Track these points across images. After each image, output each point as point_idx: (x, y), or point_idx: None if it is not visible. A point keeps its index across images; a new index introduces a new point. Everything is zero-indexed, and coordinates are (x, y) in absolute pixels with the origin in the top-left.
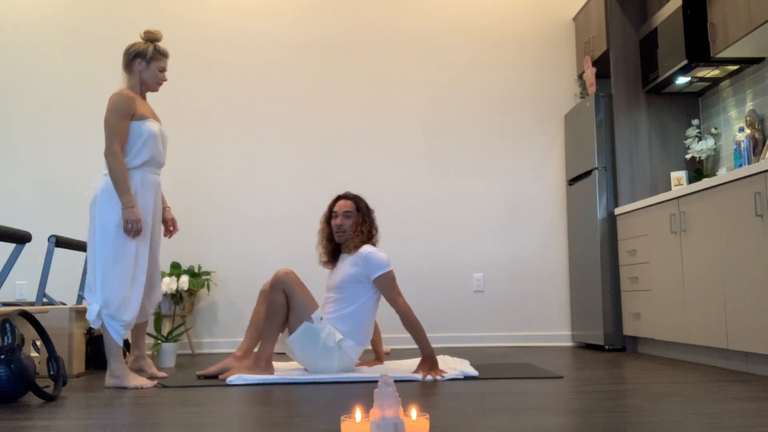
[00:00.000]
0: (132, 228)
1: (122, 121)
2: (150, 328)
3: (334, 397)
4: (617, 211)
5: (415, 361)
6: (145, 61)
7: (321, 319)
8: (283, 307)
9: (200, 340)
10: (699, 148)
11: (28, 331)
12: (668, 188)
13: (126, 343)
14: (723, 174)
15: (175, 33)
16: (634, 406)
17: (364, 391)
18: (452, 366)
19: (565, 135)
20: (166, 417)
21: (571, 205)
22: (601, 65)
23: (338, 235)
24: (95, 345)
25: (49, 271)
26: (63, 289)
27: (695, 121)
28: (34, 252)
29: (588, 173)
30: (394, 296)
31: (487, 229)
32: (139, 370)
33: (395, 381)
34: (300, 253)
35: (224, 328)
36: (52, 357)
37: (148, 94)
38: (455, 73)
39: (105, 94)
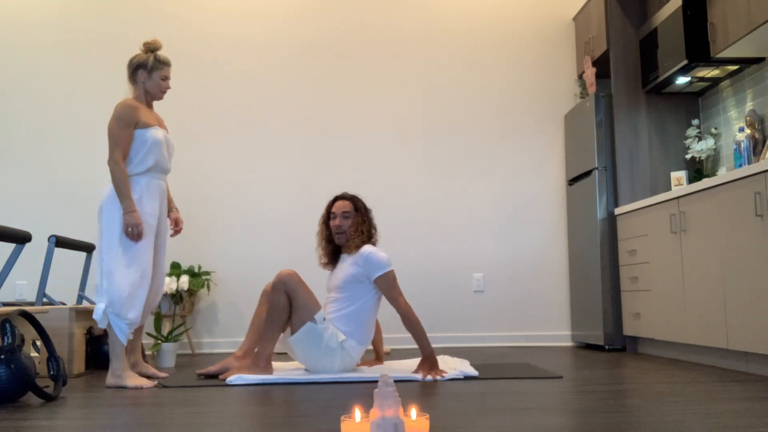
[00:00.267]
0: (132, 232)
1: (124, 129)
2: (150, 328)
3: (334, 397)
4: (617, 211)
5: (415, 361)
6: (146, 71)
7: (324, 319)
8: (284, 308)
9: (200, 340)
10: (699, 148)
11: (28, 331)
12: (668, 188)
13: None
14: (723, 174)
15: (174, 33)
16: (634, 406)
17: (364, 391)
18: (452, 366)
19: (565, 135)
20: (166, 417)
21: (571, 205)
22: (601, 65)
23: (338, 236)
24: (95, 345)
25: (49, 271)
26: (63, 289)
27: (695, 121)
28: (34, 252)
29: (588, 173)
30: (395, 295)
31: (487, 229)
32: (140, 374)
33: (395, 381)
34: (300, 252)
35: (224, 328)
36: (52, 357)
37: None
38: (455, 73)
39: (105, 94)
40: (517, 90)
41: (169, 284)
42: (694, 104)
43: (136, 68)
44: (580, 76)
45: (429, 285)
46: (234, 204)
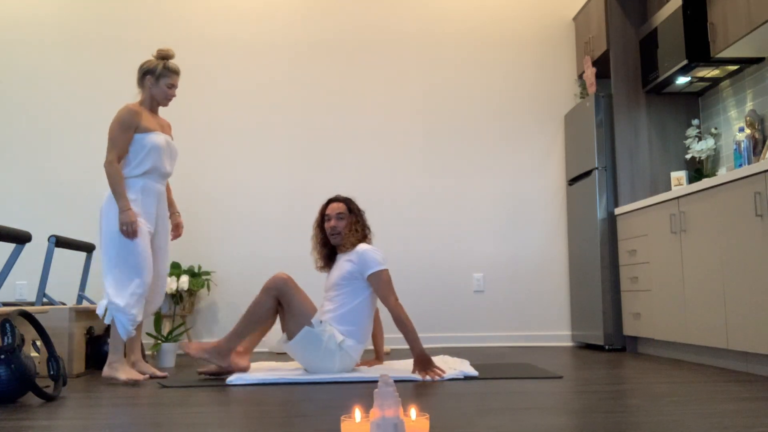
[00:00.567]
0: (127, 230)
1: (123, 133)
2: (150, 328)
3: (334, 397)
4: (617, 211)
5: None
6: (154, 77)
7: (320, 322)
8: (268, 311)
9: (200, 340)
10: (699, 148)
11: (28, 331)
12: (668, 188)
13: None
14: (723, 174)
15: (174, 34)
16: (634, 406)
17: (364, 391)
18: (452, 366)
19: (565, 135)
20: (166, 417)
21: (571, 205)
22: (601, 65)
23: (333, 237)
24: (95, 345)
25: (49, 271)
26: (63, 289)
27: (695, 121)
28: (34, 252)
29: (588, 173)
30: (387, 294)
31: (487, 229)
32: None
33: (395, 381)
34: (300, 253)
35: (224, 328)
36: (52, 357)
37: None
38: (455, 73)
39: (105, 94)
40: (517, 90)
41: (169, 284)
42: (694, 104)
43: (145, 73)
44: (580, 76)
45: (429, 285)
46: (234, 204)
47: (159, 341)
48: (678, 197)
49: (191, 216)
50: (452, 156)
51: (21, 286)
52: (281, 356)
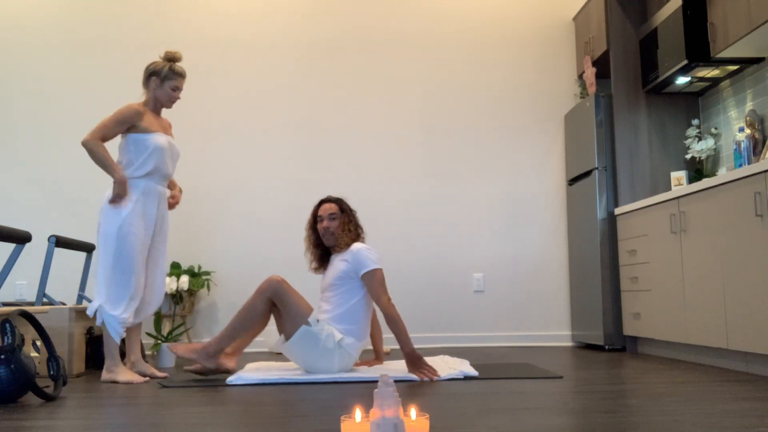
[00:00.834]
0: (118, 197)
1: (116, 125)
2: (150, 328)
3: (334, 397)
4: (617, 211)
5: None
6: (159, 79)
7: (317, 321)
8: (262, 314)
9: (200, 340)
10: (699, 148)
11: (28, 331)
12: (668, 188)
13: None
14: (723, 174)
15: (172, 33)
16: (634, 406)
17: (364, 391)
18: (452, 366)
19: (565, 135)
20: (166, 417)
21: (571, 205)
22: (601, 65)
23: (326, 237)
24: (95, 345)
25: (49, 271)
26: (63, 289)
27: (695, 121)
28: (34, 252)
29: (588, 173)
30: (379, 294)
31: (487, 229)
32: (140, 374)
33: (395, 381)
34: (300, 253)
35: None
36: (52, 357)
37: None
38: (455, 73)
39: (105, 94)
40: (517, 90)
41: (169, 284)
42: (694, 104)
43: (150, 74)
44: (580, 76)
45: (429, 285)
46: (234, 204)
47: (159, 341)
48: (678, 197)
49: (192, 216)
50: (452, 156)
51: (21, 286)
52: (281, 356)
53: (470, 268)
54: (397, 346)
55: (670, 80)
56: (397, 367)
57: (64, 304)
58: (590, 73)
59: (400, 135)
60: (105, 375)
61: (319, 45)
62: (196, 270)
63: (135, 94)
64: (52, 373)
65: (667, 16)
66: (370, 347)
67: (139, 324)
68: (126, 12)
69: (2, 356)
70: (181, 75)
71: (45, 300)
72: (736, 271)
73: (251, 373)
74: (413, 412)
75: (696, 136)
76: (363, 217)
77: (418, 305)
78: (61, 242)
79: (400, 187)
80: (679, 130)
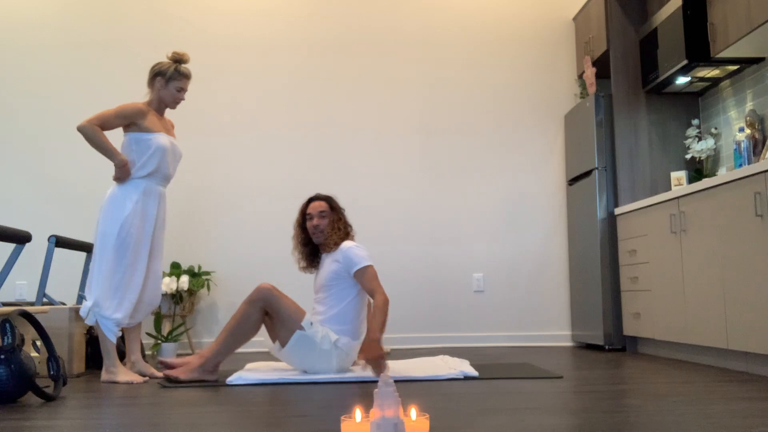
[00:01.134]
0: (120, 175)
1: (116, 119)
2: (150, 328)
3: (334, 397)
4: (617, 211)
5: (415, 362)
6: (164, 79)
7: (311, 324)
8: (255, 323)
9: (200, 340)
10: (699, 148)
11: (28, 331)
12: (668, 188)
13: (122, 353)
14: (723, 174)
15: (172, 33)
16: (634, 406)
17: (364, 391)
18: (452, 366)
19: (565, 135)
20: (166, 417)
21: (571, 205)
22: (601, 65)
23: (316, 235)
24: (95, 345)
25: (49, 271)
26: (63, 289)
27: (695, 121)
28: (34, 252)
29: (588, 173)
30: (374, 289)
31: (487, 229)
32: (140, 374)
33: (395, 381)
34: None
35: None
36: (52, 357)
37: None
38: (455, 73)
39: (105, 94)
40: (517, 90)
41: (169, 284)
42: (694, 104)
43: (155, 74)
44: (580, 76)
45: (429, 285)
46: (234, 204)
47: (159, 341)
48: (678, 197)
49: (191, 216)
50: (452, 156)
51: (21, 286)
52: None
53: (470, 268)
54: (397, 346)
55: (670, 80)
56: (398, 367)
57: (64, 304)
58: (590, 73)
59: (400, 135)
60: (104, 375)
61: (319, 45)
62: (196, 270)
63: (135, 94)
64: (52, 373)
65: (667, 16)
66: None
67: (138, 324)
68: (126, 12)
69: (2, 356)
70: (187, 76)
71: (45, 300)
72: (736, 271)
73: (251, 373)
74: (413, 412)
75: (696, 136)
76: (363, 217)
77: (418, 305)
78: (61, 242)
79: (400, 187)
80: (679, 130)
